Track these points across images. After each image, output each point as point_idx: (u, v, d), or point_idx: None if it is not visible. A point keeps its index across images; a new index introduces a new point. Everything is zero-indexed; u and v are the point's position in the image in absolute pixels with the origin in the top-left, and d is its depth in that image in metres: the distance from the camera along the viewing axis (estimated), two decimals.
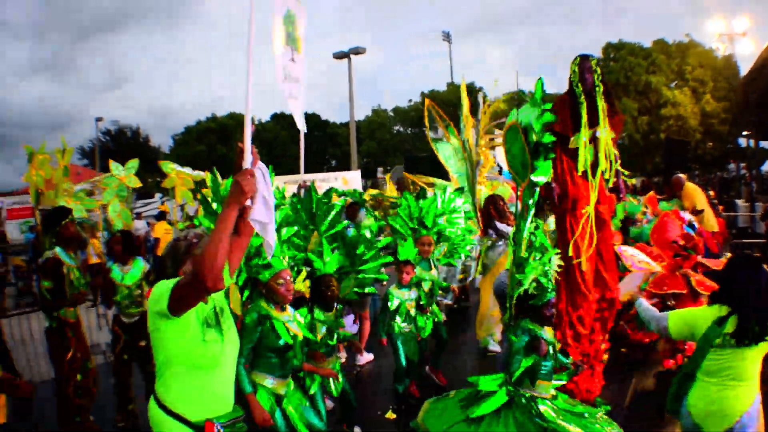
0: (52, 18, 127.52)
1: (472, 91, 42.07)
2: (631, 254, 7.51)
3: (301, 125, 7.33)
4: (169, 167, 11.92)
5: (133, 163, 10.33)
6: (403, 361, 6.58)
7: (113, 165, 10.30)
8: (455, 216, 8.06)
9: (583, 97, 5.97)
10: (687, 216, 8.89)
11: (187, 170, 12.30)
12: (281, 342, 4.53)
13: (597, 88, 5.95)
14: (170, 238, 17.87)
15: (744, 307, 4.04)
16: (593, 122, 5.93)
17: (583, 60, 6.18)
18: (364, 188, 44.74)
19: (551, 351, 4.76)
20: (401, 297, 6.66)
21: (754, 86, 25.03)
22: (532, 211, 4.79)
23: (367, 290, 6.16)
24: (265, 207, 3.42)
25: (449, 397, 5.12)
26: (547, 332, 4.75)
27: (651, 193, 11.89)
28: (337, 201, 6.62)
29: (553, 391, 4.76)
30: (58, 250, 6.31)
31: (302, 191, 6.54)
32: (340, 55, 30.38)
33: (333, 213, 6.01)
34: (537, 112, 4.57)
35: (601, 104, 5.94)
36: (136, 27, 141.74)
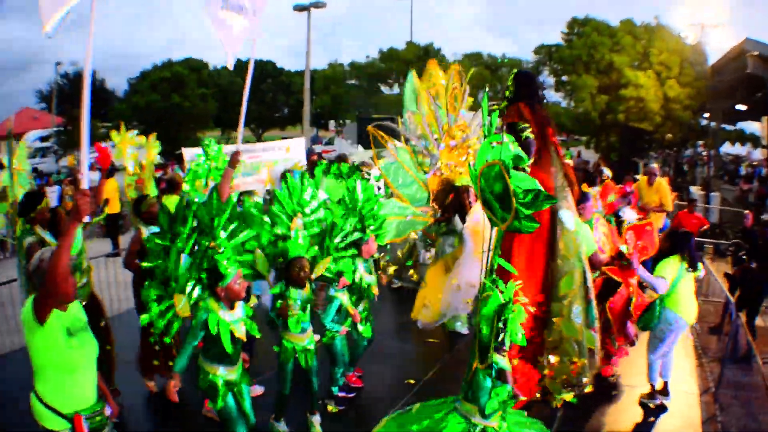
0: None
1: (430, 51, 41.22)
2: (604, 231, 7.60)
3: (230, 62, 6.54)
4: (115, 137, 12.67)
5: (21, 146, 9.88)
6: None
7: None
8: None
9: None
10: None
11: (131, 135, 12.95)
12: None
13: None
14: (117, 196, 17.45)
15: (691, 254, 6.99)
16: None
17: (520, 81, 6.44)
18: (313, 141, 44.23)
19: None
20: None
21: (722, 76, 25.05)
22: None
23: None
24: None
25: (410, 413, 5.08)
26: (504, 360, 4.60)
27: (605, 183, 11.40)
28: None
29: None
30: (47, 234, 6.44)
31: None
32: (300, 8, 29.03)
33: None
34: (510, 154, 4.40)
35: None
36: None
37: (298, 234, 6.12)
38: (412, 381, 7.60)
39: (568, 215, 6.15)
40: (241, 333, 4.98)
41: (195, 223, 5.05)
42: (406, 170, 8.62)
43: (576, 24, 35.72)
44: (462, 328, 9.04)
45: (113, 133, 12.53)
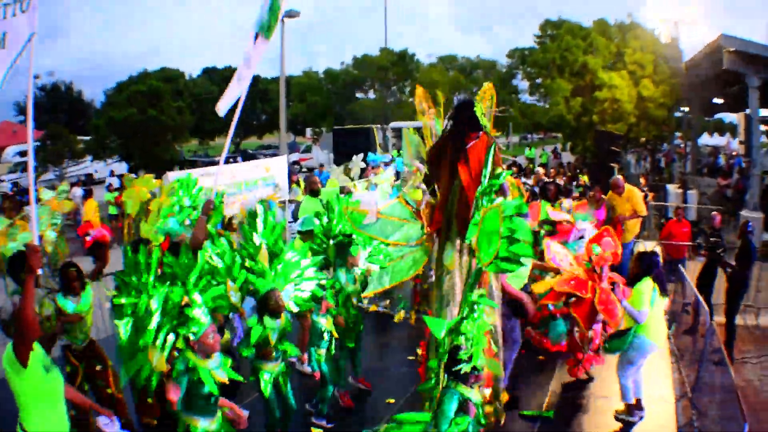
0: None
1: (405, 57, 40.89)
2: (557, 251, 7.92)
3: (223, 108, 7.60)
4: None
5: (64, 187, 9.74)
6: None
7: (43, 192, 9.86)
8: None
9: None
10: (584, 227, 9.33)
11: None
12: (206, 390, 4.89)
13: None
14: (98, 216, 17.39)
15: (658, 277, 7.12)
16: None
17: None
18: (291, 148, 44.02)
19: (478, 412, 4.90)
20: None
21: (697, 71, 25.20)
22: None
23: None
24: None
25: None
26: (475, 393, 4.81)
27: (580, 201, 11.51)
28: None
29: None
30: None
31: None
32: None
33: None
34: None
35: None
36: None
37: (266, 268, 6.18)
38: (392, 400, 7.61)
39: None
40: (222, 377, 5.03)
41: (159, 272, 5.05)
42: (392, 220, 8.57)
43: (549, 26, 35.74)
44: None
45: (110, 195, 12.04)
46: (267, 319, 5.97)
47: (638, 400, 7.36)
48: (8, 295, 6.87)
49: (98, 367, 6.78)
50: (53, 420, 4.42)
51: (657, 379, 8.21)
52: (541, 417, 7.35)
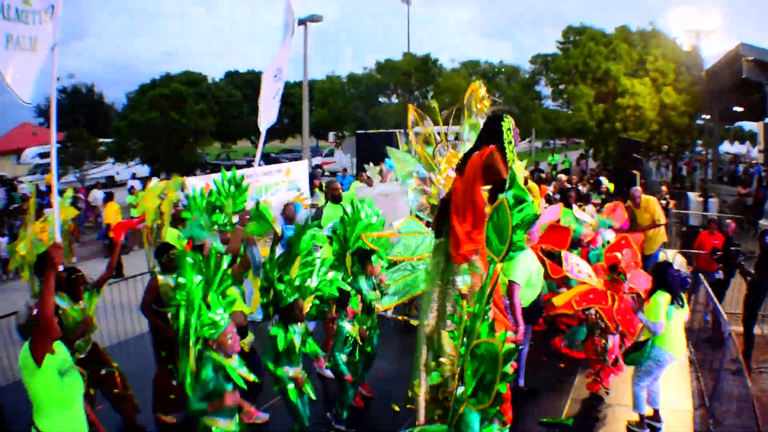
0: None
1: (428, 62, 40.93)
2: (575, 262, 7.96)
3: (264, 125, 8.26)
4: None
5: (68, 194, 9.86)
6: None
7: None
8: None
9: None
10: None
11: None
12: (230, 386, 5.03)
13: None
14: (120, 218, 17.54)
15: (673, 290, 7.03)
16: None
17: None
18: (313, 152, 44.19)
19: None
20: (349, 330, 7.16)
21: (717, 80, 25.18)
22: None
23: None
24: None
25: None
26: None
27: (615, 204, 11.42)
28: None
29: None
30: (61, 301, 6.43)
31: None
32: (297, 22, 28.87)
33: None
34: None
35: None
36: None
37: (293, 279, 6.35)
38: (397, 408, 7.67)
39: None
40: (247, 375, 5.16)
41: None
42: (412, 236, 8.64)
43: (571, 32, 35.74)
44: None
45: (132, 197, 11.98)
46: (291, 327, 6.14)
47: (656, 411, 7.39)
48: (32, 297, 6.96)
49: (102, 371, 6.88)
50: (65, 423, 4.48)
51: (675, 389, 8.24)
52: (561, 424, 7.40)
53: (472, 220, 5.44)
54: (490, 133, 5.94)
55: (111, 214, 18.28)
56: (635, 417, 7.36)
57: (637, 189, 12.33)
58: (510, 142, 5.84)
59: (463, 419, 4.61)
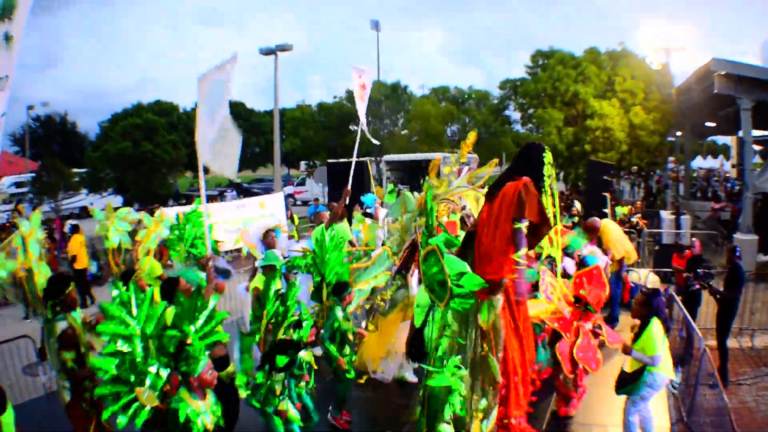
0: None
1: (398, 89, 41.12)
2: (549, 281, 7.76)
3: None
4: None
5: (36, 215, 9.68)
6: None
7: (18, 221, 9.61)
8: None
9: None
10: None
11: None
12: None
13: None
14: (84, 251, 17.37)
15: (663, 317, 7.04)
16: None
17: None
18: (285, 181, 43.99)
19: None
20: None
21: (688, 96, 25.41)
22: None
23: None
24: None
25: None
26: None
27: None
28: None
29: None
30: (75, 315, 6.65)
31: None
32: (266, 52, 28.99)
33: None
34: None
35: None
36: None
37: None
38: None
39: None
40: (208, 423, 5.11)
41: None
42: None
43: (540, 56, 35.98)
44: (411, 376, 8.83)
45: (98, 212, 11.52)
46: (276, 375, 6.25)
47: None
48: (43, 324, 6.97)
49: (87, 383, 6.62)
50: None
51: (653, 404, 8.22)
52: None
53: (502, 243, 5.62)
54: (528, 162, 5.98)
55: (76, 246, 18.32)
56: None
57: (595, 220, 11.75)
58: (550, 176, 5.88)
59: None
